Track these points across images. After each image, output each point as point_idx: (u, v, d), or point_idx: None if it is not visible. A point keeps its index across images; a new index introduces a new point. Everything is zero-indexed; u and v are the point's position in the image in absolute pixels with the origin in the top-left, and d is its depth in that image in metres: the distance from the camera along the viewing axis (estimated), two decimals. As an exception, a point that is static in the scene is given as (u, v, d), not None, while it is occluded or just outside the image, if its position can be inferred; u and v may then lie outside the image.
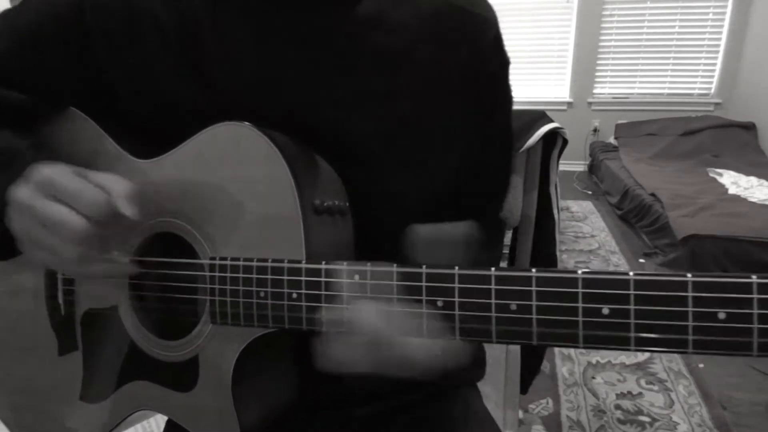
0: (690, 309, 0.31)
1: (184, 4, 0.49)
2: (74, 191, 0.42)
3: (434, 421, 0.58)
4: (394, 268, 0.38)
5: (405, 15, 0.50)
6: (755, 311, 0.30)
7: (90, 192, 0.42)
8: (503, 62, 0.55)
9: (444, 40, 0.50)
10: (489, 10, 0.53)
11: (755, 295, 0.30)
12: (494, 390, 0.89)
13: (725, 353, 0.31)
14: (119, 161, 0.51)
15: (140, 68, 0.50)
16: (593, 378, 1.79)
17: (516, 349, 0.96)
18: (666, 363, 1.85)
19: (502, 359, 0.94)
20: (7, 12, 0.53)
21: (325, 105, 0.49)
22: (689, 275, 0.31)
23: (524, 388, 1.04)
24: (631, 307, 0.32)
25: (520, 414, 1.58)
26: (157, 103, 0.51)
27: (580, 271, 0.33)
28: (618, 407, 1.64)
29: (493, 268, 0.36)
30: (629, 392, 1.70)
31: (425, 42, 0.50)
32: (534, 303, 0.35)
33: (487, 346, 0.72)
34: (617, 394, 1.69)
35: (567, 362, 1.89)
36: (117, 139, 0.52)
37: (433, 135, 0.51)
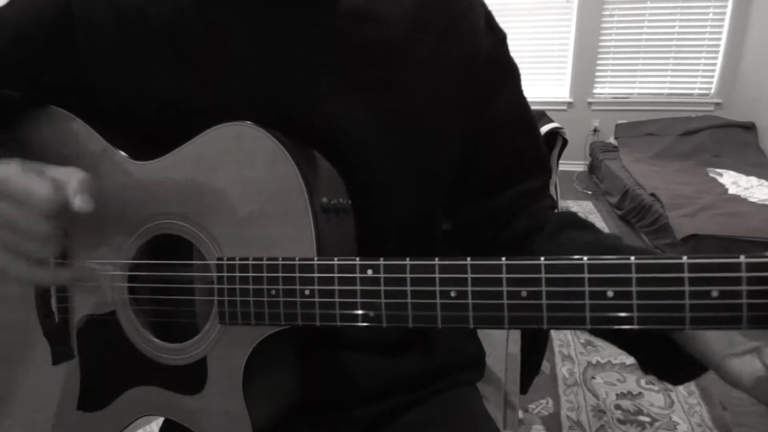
0: (687, 288, 0.33)
1: (173, 4, 0.49)
2: (22, 188, 0.40)
3: (434, 421, 0.58)
4: (407, 261, 0.39)
5: (391, 7, 0.50)
6: (744, 288, 0.32)
7: (38, 188, 0.39)
8: (498, 38, 0.54)
9: (431, 28, 0.50)
10: None
11: (744, 274, 0.32)
12: (494, 390, 0.89)
13: (719, 328, 0.34)
14: (114, 163, 0.51)
15: (131, 69, 0.50)
16: (593, 378, 1.79)
17: (516, 349, 0.96)
18: (666, 363, 1.85)
19: (502, 359, 0.94)
20: None
21: (316, 99, 0.49)
22: (685, 257, 0.33)
23: (524, 388, 1.04)
24: (633, 288, 0.34)
25: (520, 414, 1.58)
26: (151, 104, 0.50)
27: (585, 258, 0.35)
28: (618, 407, 1.63)
29: (503, 258, 0.37)
30: (629, 392, 1.70)
31: (413, 33, 0.50)
32: (543, 289, 0.36)
33: (486, 346, 0.72)
34: (617, 394, 1.69)
35: (567, 362, 1.89)
36: (113, 142, 0.51)
37: (429, 125, 0.51)
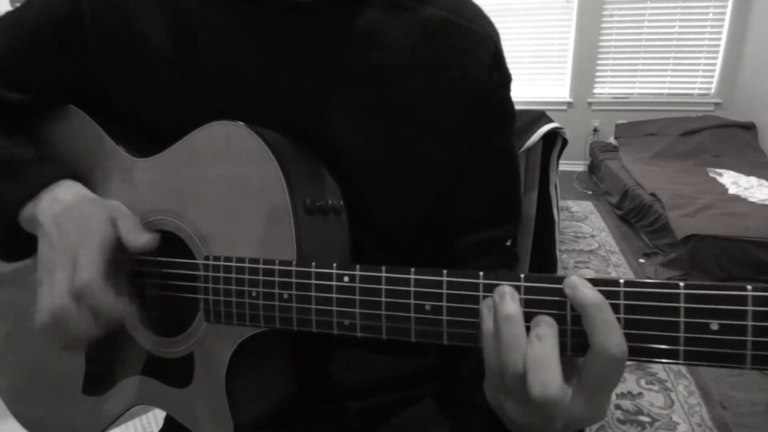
0: (682, 319, 0.31)
1: (180, 7, 0.49)
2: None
3: (430, 419, 0.58)
4: (383, 273, 0.39)
5: (401, 32, 0.49)
6: (749, 323, 0.29)
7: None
8: (503, 81, 0.53)
9: (437, 59, 0.50)
10: (488, 26, 0.52)
11: (750, 308, 0.29)
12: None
13: (718, 365, 0.30)
14: (116, 159, 0.52)
15: (136, 71, 0.50)
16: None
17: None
18: (666, 363, 1.85)
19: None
20: (8, 13, 0.54)
21: (318, 115, 0.49)
22: (681, 284, 0.31)
23: (524, 388, 1.04)
24: (621, 316, 0.32)
25: (520, 414, 1.58)
26: (156, 107, 0.51)
27: (566, 279, 0.33)
28: (618, 407, 1.64)
29: (481, 273, 0.36)
30: (629, 392, 1.70)
31: (418, 61, 0.49)
32: (522, 311, 0.34)
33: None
34: (617, 394, 1.69)
35: (567, 362, 1.89)
36: (115, 138, 0.52)
37: (423, 153, 0.51)
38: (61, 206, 0.46)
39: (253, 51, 0.49)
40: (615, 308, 0.32)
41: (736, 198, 2.85)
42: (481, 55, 0.51)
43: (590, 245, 3.01)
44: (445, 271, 0.37)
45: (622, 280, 0.32)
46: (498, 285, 0.35)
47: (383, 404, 0.57)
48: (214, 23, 0.49)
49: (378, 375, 0.56)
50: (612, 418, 1.59)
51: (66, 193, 0.48)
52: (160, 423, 0.65)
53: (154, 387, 0.51)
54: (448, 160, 0.52)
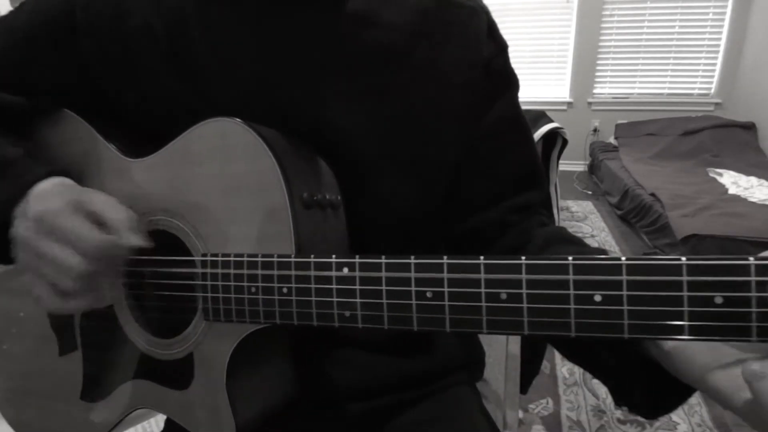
0: (685, 294, 0.30)
1: (173, 5, 0.49)
2: (71, 233, 0.41)
3: (433, 420, 0.58)
4: (383, 260, 0.38)
5: (394, 12, 0.50)
6: (753, 294, 0.29)
7: (86, 232, 0.41)
8: (499, 48, 0.54)
9: (433, 35, 0.50)
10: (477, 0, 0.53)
11: (753, 278, 0.29)
12: (494, 390, 0.89)
13: (723, 339, 0.30)
14: (111, 161, 0.51)
15: (131, 69, 0.50)
16: (593, 378, 1.79)
17: (516, 349, 0.96)
18: (666, 363, 1.85)
19: (502, 359, 0.94)
20: (4, 16, 0.55)
21: (317, 103, 0.49)
22: (684, 258, 0.30)
23: (524, 388, 1.04)
24: (624, 293, 0.31)
25: (520, 414, 1.58)
26: (152, 107, 0.51)
27: (570, 258, 0.33)
28: (618, 407, 1.64)
29: (482, 257, 0.35)
30: (629, 392, 1.70)
31: (415, 39, 0.50)
32: (524, 291, 0.34)
33: (486, 346, 0.72)
34: (617, 394, 1.69)
35: (567, 362, 1.89)
36: (110, 139, 0.52)
37: (427, 132, 0.51)
38: (41, 199, 0.45)
39: (248, 45, 0.49)
40: (617, 285, 0.31)
41: (736, 198, 2.85)
42: (476, 27, 0.52)
43: (590, 245, 3.00)
44: (445, 257, 0.36)
45: (623, 257, 0.31)
46: (497, 265, 0.34)
47: (384, 406, 0.57)
48: (207, 19, 0.49)
49: (379, 376, 0.56)
50: (612, 418, 1.59)
51: (49, 186, 0.46)
52: (161, 426, 0.65)
53: (153, 390, 0.51)
54: (456, 133, 0.52)
